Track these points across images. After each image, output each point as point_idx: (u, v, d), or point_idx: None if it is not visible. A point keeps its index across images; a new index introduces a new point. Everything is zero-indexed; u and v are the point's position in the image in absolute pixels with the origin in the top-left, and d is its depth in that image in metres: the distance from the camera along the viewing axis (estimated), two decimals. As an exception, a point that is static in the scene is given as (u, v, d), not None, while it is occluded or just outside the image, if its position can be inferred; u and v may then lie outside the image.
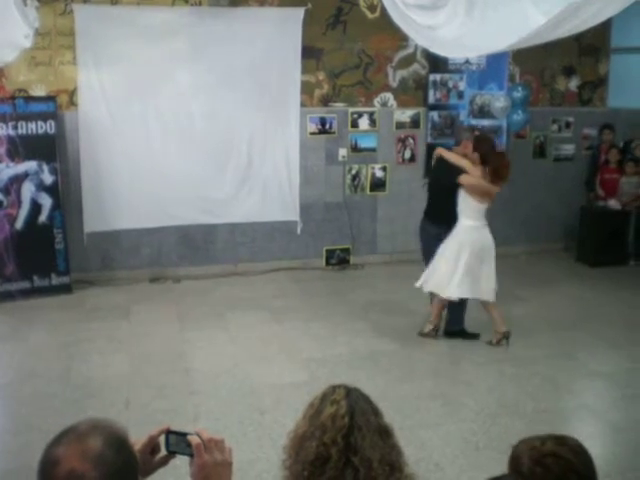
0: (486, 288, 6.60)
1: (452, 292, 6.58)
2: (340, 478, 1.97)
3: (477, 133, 7.21)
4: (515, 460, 2.13)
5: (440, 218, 6.78)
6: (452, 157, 6.74)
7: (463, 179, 6.51)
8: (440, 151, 6.93)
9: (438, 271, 6.65)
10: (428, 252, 6.87)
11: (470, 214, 6.57)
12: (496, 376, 6.08)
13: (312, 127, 9.09)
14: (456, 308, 6.85)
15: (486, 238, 6.61)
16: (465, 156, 6.66)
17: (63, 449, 1.62)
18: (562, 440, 2.14)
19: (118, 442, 1.69)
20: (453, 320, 6.95)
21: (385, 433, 2.08)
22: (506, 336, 6.71)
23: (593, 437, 5.07)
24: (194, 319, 7.45)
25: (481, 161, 6.55)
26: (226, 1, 8.31)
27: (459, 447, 4.86)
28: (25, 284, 8.00)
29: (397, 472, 2.03)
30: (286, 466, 2.09)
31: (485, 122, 9.67)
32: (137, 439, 1.85)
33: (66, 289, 8.20)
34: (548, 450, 2.07)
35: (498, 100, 9.46)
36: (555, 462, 2.04)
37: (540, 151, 10.23)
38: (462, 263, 6.50)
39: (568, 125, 10.32)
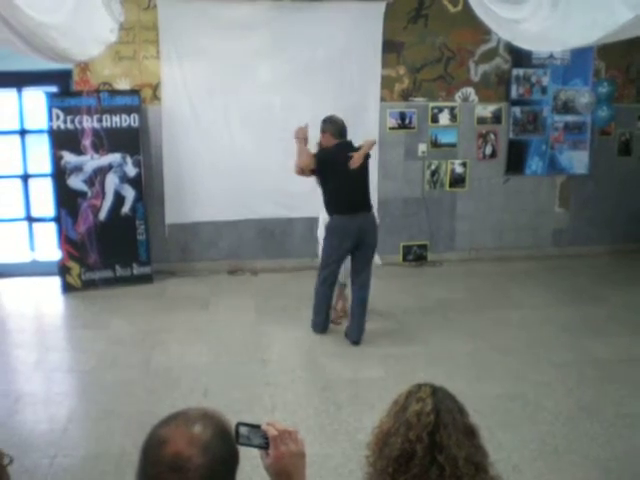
0: None
1: None
2: (425, 476, 1.96)
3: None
4: None
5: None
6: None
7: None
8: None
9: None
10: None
11: None
12: (576, 378, 5.93)
13: (392, 122, 9.03)
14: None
15: None
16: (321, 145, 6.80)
17: (172, 431, 1.63)
18: None
19: (225, 433, 1.70)
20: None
21: (471, 433, 2.05)
22: None
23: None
24: (271, 311, 7.50)
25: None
26: None
27: (537, 449, 4.77)
28: (108, 273, 8.21)
29: (482, 473, 2.00)
30: (370, 462, 2.07)
31: (569, 118, 9.48)
32: None
33: (147, 279, 8.38)
34: None
35: (583, 96, 9.26)
36: None
37: (625, 148, 9.94)
38: None
39: (654, 122, 10.03)
